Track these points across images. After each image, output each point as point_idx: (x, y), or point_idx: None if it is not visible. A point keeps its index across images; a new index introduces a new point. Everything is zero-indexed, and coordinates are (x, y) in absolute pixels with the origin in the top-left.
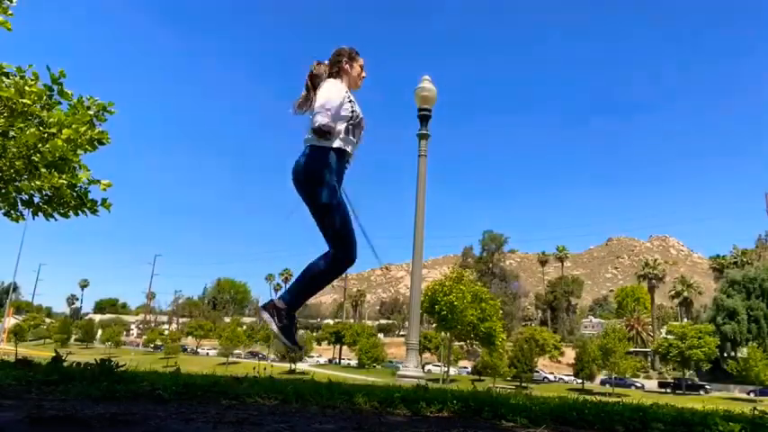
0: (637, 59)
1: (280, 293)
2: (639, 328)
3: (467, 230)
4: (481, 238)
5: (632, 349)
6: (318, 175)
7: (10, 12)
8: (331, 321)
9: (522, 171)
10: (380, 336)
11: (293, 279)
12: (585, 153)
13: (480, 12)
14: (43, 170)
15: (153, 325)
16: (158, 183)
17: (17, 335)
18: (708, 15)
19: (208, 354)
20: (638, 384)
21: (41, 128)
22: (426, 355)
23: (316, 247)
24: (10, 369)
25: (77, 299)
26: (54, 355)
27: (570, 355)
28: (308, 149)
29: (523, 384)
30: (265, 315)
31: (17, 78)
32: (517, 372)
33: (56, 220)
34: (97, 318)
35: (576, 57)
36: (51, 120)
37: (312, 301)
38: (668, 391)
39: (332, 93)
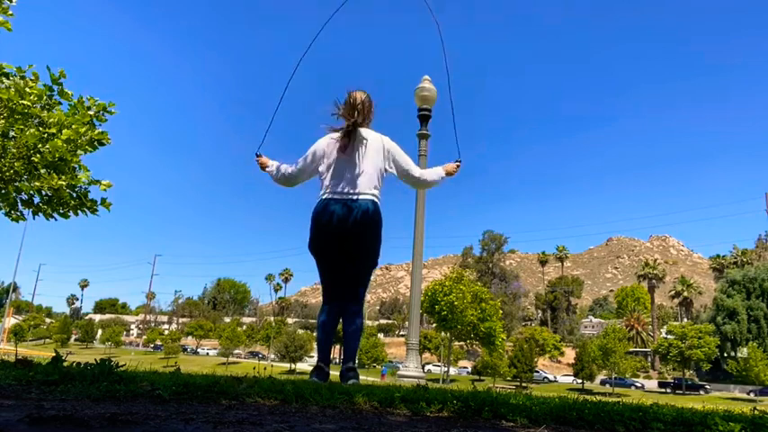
0: (637, 59)
1: (349, 363)
2: (639, 328)
3: (467, 230)
4: (481, 238)
5: (632, 349)
6: (381, 230)
7: (10, 12)
8: None
9: (523, 171)
10: (380, 336)
11: (347, 346)
12: (585, 153)
13: (481, 13)
14: (43, 171)
15: (153, 325)
16: (158, 183)
17: (17, 335)
18: (706, 19)
19: (208, 354)
20: (638, 384)
21: (41, 128)
22: (426, 355)
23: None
24: (10, 369)
25: (77, 299)
26: (54, 355)
27: (570, 355)
28: (376, 204)
29: (523, 384)
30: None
31: (17, 79)
32: (517, 372)
33: (56, 220)
34: (97, 318)
35: (576, 56)
36: (51, 120)
37: (312, 301)
38: (668, 391)
39: None
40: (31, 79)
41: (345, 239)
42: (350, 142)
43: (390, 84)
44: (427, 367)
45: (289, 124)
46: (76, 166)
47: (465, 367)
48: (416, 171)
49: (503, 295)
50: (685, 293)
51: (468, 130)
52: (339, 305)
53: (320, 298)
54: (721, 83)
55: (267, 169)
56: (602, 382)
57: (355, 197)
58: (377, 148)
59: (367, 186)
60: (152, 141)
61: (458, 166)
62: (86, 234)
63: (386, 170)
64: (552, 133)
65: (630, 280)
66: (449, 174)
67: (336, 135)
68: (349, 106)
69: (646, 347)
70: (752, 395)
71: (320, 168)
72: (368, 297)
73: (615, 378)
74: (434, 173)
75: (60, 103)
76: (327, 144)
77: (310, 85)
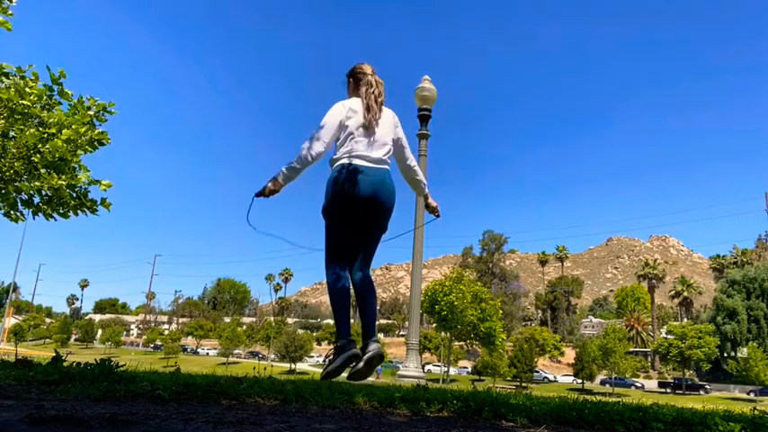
0: (638, 61)
1: (374, 339)
2: (639, 328)
3: (467, 230)
4: (481, 238)
5: (632, 349)
6: None
7: (10, 12)
8: (331, 321)
9: (523, 171)
10: (380, 336)
11: (370, 320)
12: (585, 153)
13: (482, 14)
14: (43, 171)
15: (153, 325)
16: (159, 183)
17: (17, 335)
18: (705, 20)
19: (208, 354)
20: (638, 384)
21: (41, 128)
22: (426, 355)
23: (314, 246)
24: (10, 369)
25: (77, 299)
26: (54, 355)
27: (570, 355)
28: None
29: (523, 384)
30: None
31: (17, 79)
32: (517, 372)
33: (56, 220)
34: (97, 318)
35: (576, 56)
36: (51, 120)
37: (312, 301)
38: (668, 391)
39: None
40: (31, 79)
41: (377, 206)
42: (376, 117)
43: (390, 83)
44: (427, 367)
45: (285, 121)
46: (76, 166)
47: (465, 367)
48: (412, 158)
49: (503, 295)
50: (685, 293)
51: (469, 130)
52: (351, 269)
53: (320, 297)
54: (721, 83)
55: (281, 183)
56: (602, 382)
57: (383, 167)
58: (391, 122)
59: (388, 158)
60: (152, 141)
61: (434, 209)
62: (86, 234)
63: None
64: (552, 133)
65: (630, 280)
66: (427, 201)
67: (357, 102)
68: (373, 96)
69: (646, 347)
70: (752, 395)
71: (342, 134)
72: None
73: (615, 378)
74: (422, 175)
75: (60, 103)
76: (349, 110)
77: (310, 84)
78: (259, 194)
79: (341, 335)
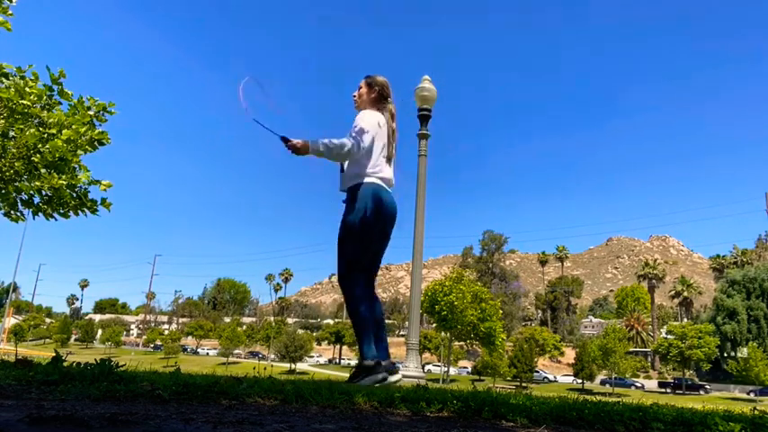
0: (637, 61)
1: (385, 359)
2: (639, 328)
3: (467, 230)
4: (481, 238)
5: (632, 349)
6: None
7: (10, 12)
8: (331, 321)
9: (523, 171)
10: None
11: (384, 344)
12: (585, 153)
13: (484, 14)
14: (43, 171)
15: (153, 325)
16: (159, 183)
17: (17, 335)
18: (704, 16)
19: (208, 354)
20: (638, 384)
21: (41, 128)
22: (426, 355)
23: (315, 247)
24: (10, 369)
25: (77, 299)
26: (54, 355)
27: (570, 355)
28: None
29: (523, 384)
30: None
31: (17, 79)
32: (517, 372)
33: (56, 220)
34: (97, 318)
35: (576, 58)
36: (51, 120)
37: (312, 301)
38: (668, 391)
39: None
40: (31, 79)
41: (390, 231)
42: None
43: (390, 83)
44: (427, 367)
45: (286, 121)
46: (76, 166)
47: (465, 367)
48: None
49: (503, 295)
50: (685, 293)
51: (470, 130)
52: (371, 291)
53: (320, 297)
54: (721, 81)
55: (309, 150)
56: (602, 382)
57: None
58: None
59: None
60: (152, 140)
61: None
62: (86, 234)
63: None
64: (552, 133)
65: (630, 280)
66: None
67: (384, 120)
68: (394, 124)
69: (646, 347)
70: (752, 395)
71: (374, 147)
72: None
73: (615, 378)
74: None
75: (60, 103)
76: (379, 126)
77: (310, 83)
78: (285, 140)
79: (369, 354)
